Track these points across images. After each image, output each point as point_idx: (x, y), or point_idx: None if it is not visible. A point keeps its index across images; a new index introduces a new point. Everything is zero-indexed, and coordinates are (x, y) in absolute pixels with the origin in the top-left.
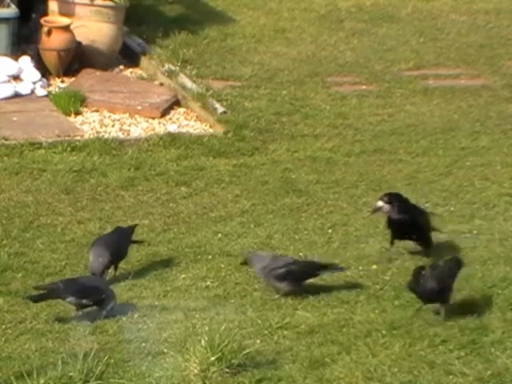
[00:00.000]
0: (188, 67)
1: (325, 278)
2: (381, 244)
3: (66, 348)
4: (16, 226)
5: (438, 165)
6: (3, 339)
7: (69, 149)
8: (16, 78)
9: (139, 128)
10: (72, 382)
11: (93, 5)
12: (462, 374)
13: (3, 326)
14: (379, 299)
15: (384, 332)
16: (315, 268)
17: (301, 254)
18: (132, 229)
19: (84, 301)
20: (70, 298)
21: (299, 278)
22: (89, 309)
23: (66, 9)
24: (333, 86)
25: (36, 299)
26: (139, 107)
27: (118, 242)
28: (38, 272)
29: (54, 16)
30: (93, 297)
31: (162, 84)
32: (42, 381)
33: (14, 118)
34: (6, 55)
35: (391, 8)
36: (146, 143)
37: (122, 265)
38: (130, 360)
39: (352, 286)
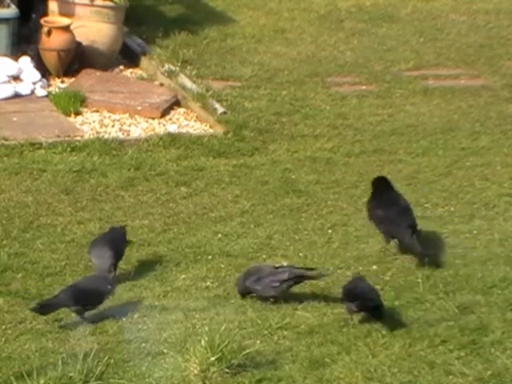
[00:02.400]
0: (188, 67)
1: (325, 278)
2: (381, 244)
3: (66, 348)
4: (16, 226)
5: (438, 165)
6: (3, 339)
7: (69, 149)
8: (16, 78)
9: (139, 128)
10: (72, 382)
11: (93, 5)
12: (461, 374)
13: (3, 327)
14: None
15: (384, 332)
16: None
17: (301, 254)
18: (124, 229)
19: (88, 307)
20: (75, 308)
21: None
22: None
23: (66, 9)
24: (333, 86)
25: (43, 312)
26: (139, 107)
27: (118, 241)
28: (38, 272)
29: (53, 16)
30: (96, 301)
31: (161, 84)
32: (41, 381)
33: (14, 119)
34: (6, 55)
35: (391, 8)
36: (145, 143)
37: (122, 265)
38: (129, 360)
39: None
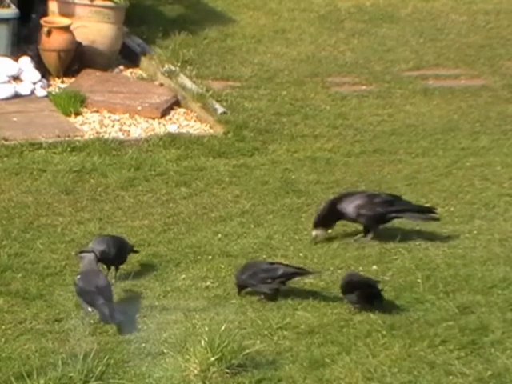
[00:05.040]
0: (188, 67)
1: (325, 278)
2: (380, 244)
3: (66, 348)
4: (16, 226)
5: (438, 165)
6: (3, 340)
7: (69, 149)
8: (16, 78)
9: (139, 128)
10: (72, 382)
11: (93, 5)
12: (461, 375)
13: (3, 327)
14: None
15: (384, 332)
16: None
17: (301, 254)
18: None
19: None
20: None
21: None
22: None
23: (66, 9)
24: (333, 86)
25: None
26: (139, 107)
27: (122, 243)
28: (37, 272)
29: (54, 16)
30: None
31: (161, 84)
32: (41, 381)
33: (14, 119)
34: (6, 56)
35: (391, 8)
36: (145, 143)
37: (121, 265)
38: (130, 360)
39: None
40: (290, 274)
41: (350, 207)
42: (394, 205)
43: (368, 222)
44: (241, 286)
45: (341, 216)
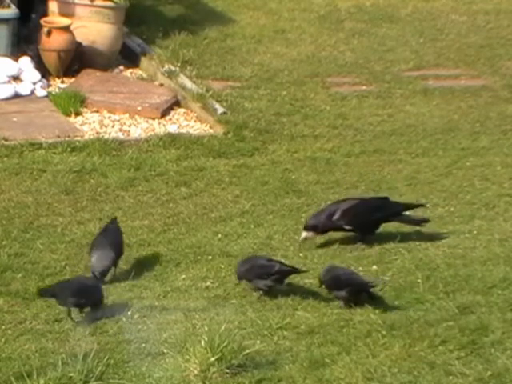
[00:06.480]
0: (188, 68)
1: None
2: (380, 245)
3: (66, 348)
4: (16, 226)
5: (438, 165)
6: (3, 340)
7: (69, 149)
8: (16, 78)
9: (139, 128)
10: (72, 382)
11: (93, 5)
12: (462, 375)
13: (3, 327)
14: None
15: (384, 332)
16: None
17: (301, 254)
18: (117, 224)
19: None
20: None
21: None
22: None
23: (66, 9)
24: (333, 86)
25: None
26: (139, 108)
27: (118, 241)
28: (37, 272)
29: (54, 16)
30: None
31: (161, 84)
32: (41, 381)
33: (14, 119)
34: (5, 56)
35: (391, 8)
36: (145, 144)
37: (121, 265)
38: (129, 360)
39: None
40: (285, 271)
41: (344, 218)
42: (385, 209)
43: (363, 230)
44: (240, 277)
45: (338, 228)
